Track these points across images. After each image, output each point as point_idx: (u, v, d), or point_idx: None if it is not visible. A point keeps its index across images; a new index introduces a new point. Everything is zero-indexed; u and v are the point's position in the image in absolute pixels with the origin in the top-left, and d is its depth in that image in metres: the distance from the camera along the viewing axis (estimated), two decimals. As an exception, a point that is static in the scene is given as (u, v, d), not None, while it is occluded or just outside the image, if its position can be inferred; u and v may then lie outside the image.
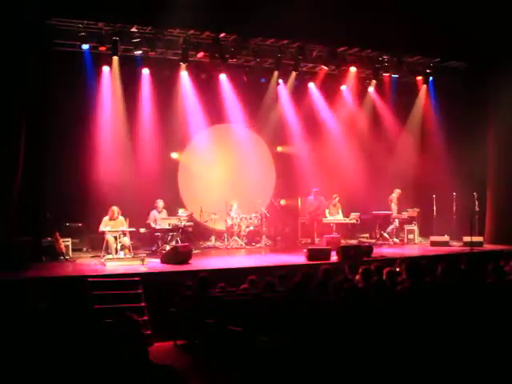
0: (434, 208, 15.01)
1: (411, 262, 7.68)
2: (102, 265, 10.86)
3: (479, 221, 14.52)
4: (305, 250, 11.67)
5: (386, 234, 15.00)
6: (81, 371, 4.10)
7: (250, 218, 14.55)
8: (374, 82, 16.11)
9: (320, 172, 15.71)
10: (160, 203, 13.42)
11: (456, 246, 13.92)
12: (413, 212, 15.25)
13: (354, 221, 14.80)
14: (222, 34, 13.31)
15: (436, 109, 16.12)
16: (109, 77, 13.51)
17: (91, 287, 9.17)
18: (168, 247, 12.47)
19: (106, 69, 13.44)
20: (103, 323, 6.48)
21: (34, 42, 11.16)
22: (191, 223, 13.94)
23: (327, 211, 14.98)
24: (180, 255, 11.18)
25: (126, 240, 11.68)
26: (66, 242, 11.95)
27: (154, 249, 12.99)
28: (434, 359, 5.04)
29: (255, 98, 15.56)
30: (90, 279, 9.36)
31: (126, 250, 11.56)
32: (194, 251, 12.26)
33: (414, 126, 16.58)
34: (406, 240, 15.05)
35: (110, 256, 11.26)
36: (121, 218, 11.87)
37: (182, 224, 13.22)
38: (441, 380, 4.92)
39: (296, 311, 5.92)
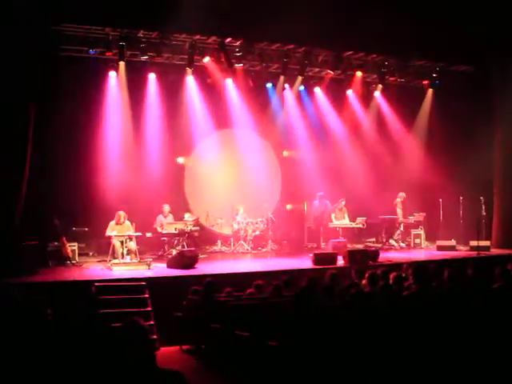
0: (441, 212, 14.98)
1: (418, 267, 7.65)
2: (109, 269, 10.89)
3: (486, 225, 14.48)
4: (311, 255, 11.65)
5: (393, 241, 14.92)
6: (88, 376, 4.09)
7: (256, 223, 14.51)
8: (379, 86, 16.11)
9: (326, 176, 15.66)
10: (166, 208, 13.45)
11: (463, 251, 13.86)
12: (419, 216, 15.17)
13: (360, 225, 14.69)
14: (228, 39, 13.36)
15: (442, 113, 16.07)
16: (115, 82, 13.58)
17: (97, 292, 9.20)
18: (174, 252, 12.47)
19: (112, 74, 13.51)
20: (110, 328, 6.47)
21: (42, 48, 11.19)
22: (197, 228, 13.93)
23: (333, 215, 14.88)
24: (186, 260, 11.18)
25: (133, 245, 11.70)
26: (72, 247, 11.99)
27: (160, 253, 12.99)
28: (440, 364, 5.01)
29: (261, 102, 15.57)
30: (96, 284, 9.39)
31: (133, 255, 11.57)
32: (200, 256, 12.26)
33: (419, 130, 16.55)
34: (412, 244, 14.99)
35: (116, 261, 11.29)
36: (127, 222, 11.89)
37: (189, 229, 13.22)
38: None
39: (303, 316, 5.90)
